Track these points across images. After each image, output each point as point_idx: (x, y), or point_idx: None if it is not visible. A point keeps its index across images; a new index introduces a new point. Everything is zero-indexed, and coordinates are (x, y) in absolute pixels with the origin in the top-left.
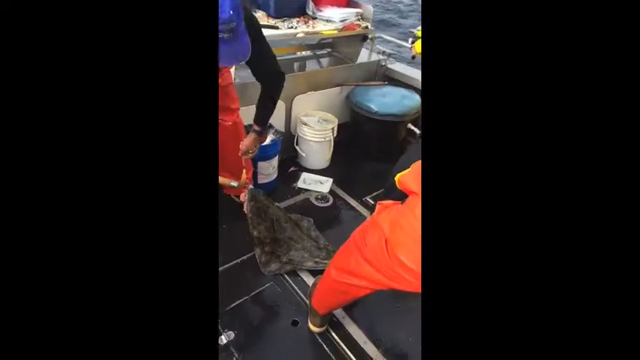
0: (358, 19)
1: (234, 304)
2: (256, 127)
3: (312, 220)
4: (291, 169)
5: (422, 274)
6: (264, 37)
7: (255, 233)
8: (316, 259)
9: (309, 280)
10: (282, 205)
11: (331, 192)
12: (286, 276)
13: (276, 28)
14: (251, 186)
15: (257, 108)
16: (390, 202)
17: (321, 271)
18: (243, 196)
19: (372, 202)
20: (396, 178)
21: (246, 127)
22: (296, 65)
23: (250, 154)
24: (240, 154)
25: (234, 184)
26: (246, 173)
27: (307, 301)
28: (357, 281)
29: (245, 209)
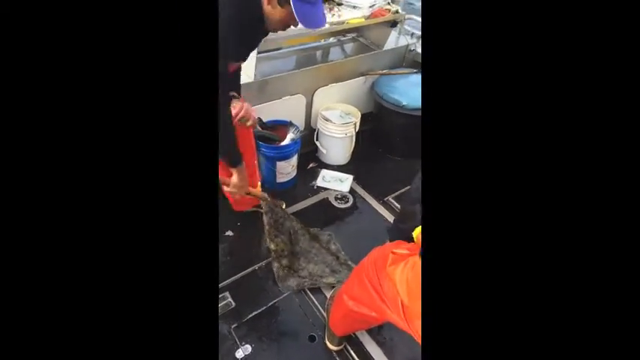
0: (388, 3)
1: (252, 315)
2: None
3: (332, 235)
4: (311, 165)
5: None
6: None
7: (272, 246)
8: (337, 276)
9: (328, 293)
10: (301, 205)
11: (351, 191)
12: (305, 287)
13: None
14: (267, 198)
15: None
16: (404, 251)
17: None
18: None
19: (395, 204)
20: (415, 234)
21: (264, 124)
22: (319, 54)
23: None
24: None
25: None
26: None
27: (325, 315)
28: (375, 314)
29: (264, 222)
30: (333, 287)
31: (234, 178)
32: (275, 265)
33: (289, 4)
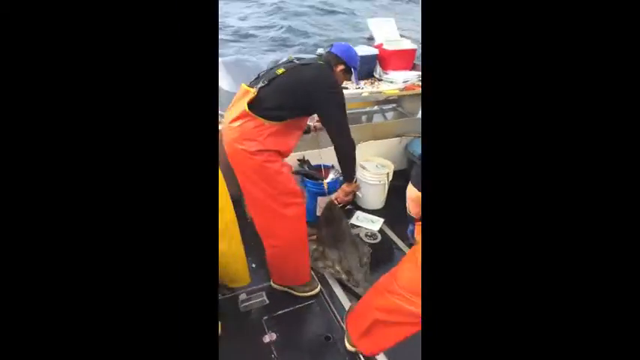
0: (419, 80)
1: (281, 312)
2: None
3: (370, 250)
4: (348, 206)
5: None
6: None
7: (320, 232)
8: (348, 278)
9: (345, 302)
10: None
11: (380, 231)
12: (326, 296)
13: (345, 88)
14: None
15: None
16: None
17: (354, 294)
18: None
19: None
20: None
21: (311, 165)
22: (364, 117)
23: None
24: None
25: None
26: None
27: (342, 323)
28: (386, 316)
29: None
30: (352, 301)
31: (348, 188)
32: (313, 246)
33: (350, 73)
